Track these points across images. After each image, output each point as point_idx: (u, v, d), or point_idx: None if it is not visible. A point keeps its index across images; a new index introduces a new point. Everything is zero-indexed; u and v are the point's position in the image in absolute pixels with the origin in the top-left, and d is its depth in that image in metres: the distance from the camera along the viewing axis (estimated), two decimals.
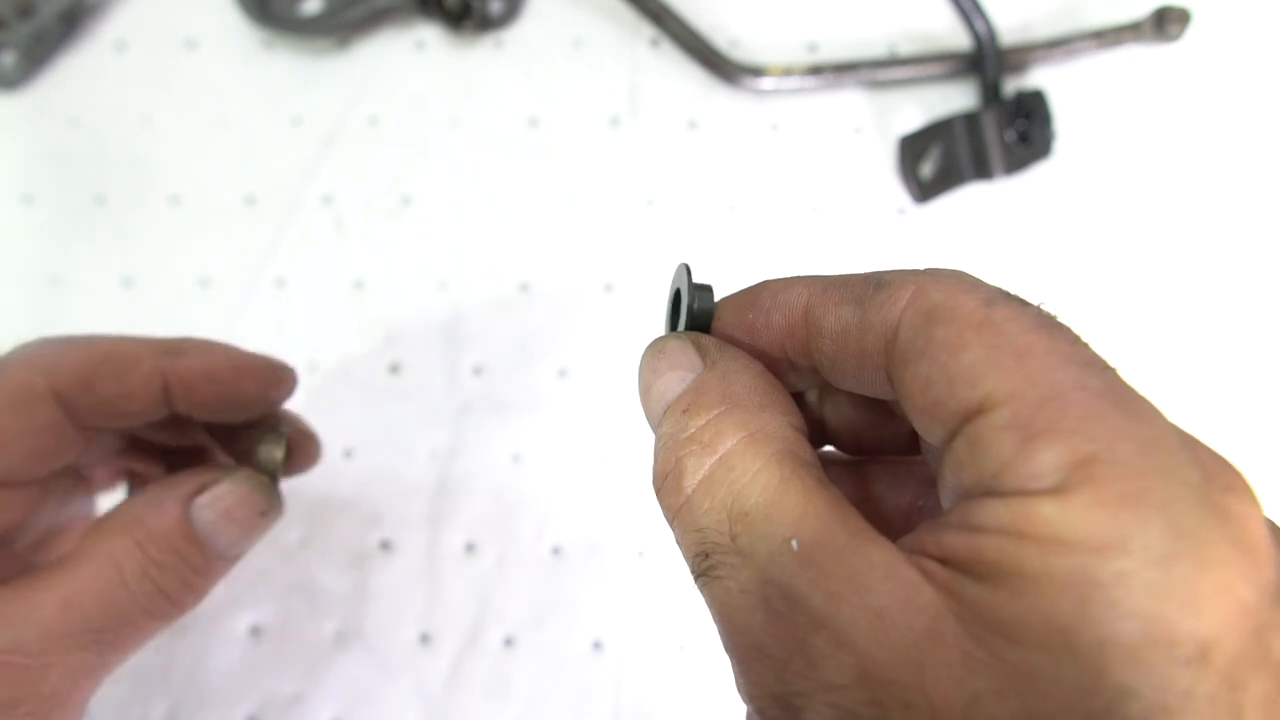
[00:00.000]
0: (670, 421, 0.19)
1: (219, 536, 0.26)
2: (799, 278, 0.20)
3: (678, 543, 0.18)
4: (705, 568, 0.17)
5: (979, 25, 0.43)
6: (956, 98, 0.45)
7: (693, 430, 0.18)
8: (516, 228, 0.44)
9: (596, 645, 0.39)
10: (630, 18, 0.46)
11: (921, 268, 0.18)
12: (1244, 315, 0.42)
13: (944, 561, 0.15)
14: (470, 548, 0.40)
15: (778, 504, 0.16)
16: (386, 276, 0.43)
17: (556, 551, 0.39)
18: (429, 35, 0.46)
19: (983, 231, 0.43)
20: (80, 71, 0.46)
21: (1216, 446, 0.16)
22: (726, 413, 0.18)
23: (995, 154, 0.42)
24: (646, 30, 0.46)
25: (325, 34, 0.45)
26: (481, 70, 0.46)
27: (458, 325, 0.42)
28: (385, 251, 0.43)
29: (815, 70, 0.44)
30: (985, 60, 0.43)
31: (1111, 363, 0.16)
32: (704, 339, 0.20)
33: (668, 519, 0.19)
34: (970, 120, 0.42)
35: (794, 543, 0.16)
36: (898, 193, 0.44)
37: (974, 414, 0.15)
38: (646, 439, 0.20)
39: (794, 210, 0.44)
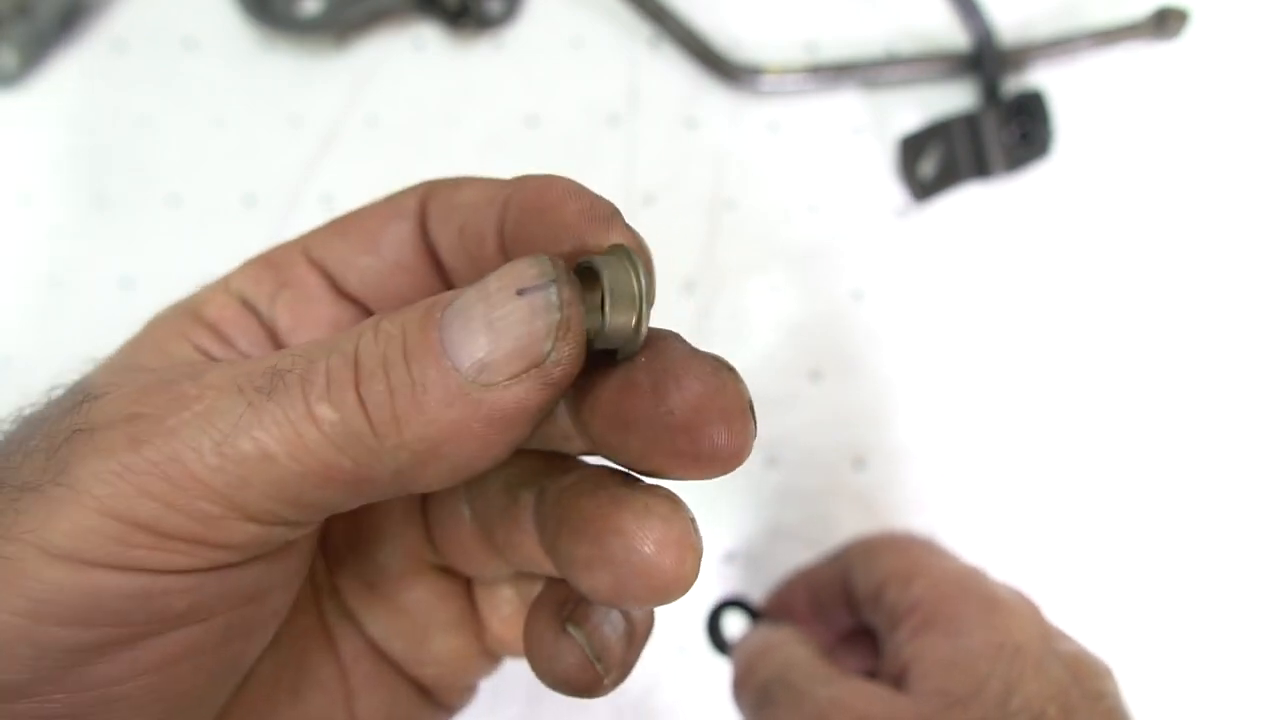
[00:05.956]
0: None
1: (465, 348, 0.16)
2: (799, 577, 0.37)
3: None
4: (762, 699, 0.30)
5: (978, 25, 0.43)
6: (956, 97, 0.45)
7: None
8: None
9: None
10: (629, 17, 0.46)
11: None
12: (1243, 314, 0.42)
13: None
14: None
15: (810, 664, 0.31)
16: None
17: None
18: (428, 35, 0.46)
19: (982, 231, 0.43)
20: (79, 71, 0.46)
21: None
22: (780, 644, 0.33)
23: (994, 153, 0.42)
24: (645, 30, 0.46)
25: (324, 33, 0.45)
26: (480, 70, 0.46)
27: None
28: None
29: (814, 70, 0.44)
30: (984, 60, 0.43)
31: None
32: (766, 622, 0.36)
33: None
34: (970, 120, 0.42)
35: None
36: (896, 192, 0.44)
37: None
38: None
39: (792, 210, 0.44)
